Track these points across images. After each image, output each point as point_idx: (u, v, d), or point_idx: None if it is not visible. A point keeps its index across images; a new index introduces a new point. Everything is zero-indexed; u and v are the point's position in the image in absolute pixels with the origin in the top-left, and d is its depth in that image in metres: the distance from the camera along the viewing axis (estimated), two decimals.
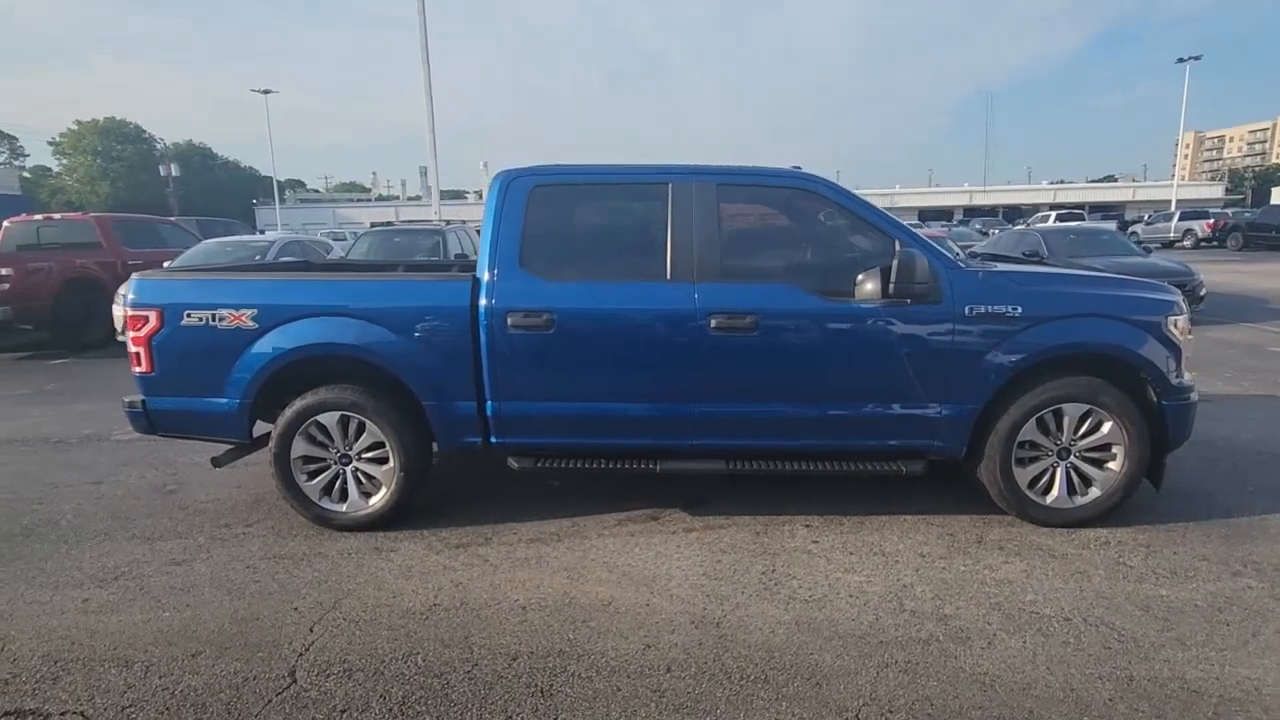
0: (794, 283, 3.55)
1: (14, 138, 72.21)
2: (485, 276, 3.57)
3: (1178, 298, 3.70)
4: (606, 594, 3.11)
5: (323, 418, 3.65)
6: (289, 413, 3.64)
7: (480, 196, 66.17)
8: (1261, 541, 3.46)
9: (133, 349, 3.68)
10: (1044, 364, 3.53)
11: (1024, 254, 11.84)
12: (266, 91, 42.04)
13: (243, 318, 3.59)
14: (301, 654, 2.71)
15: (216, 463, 3.90)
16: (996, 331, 3.48)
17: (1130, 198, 56.92)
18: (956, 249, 11.50)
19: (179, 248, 11.46)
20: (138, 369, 3.70)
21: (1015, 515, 3.68)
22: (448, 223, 14.06)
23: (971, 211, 54.57)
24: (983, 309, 3.47)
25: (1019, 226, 15.74)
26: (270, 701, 2.44)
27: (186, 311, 3.61)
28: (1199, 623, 2.79)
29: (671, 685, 2.49)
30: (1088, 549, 3.43)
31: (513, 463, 3.73)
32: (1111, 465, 3.59)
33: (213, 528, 3.84)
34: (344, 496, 3.74)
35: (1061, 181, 70.86)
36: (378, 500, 3.72)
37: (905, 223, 3.97)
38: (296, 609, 3.03)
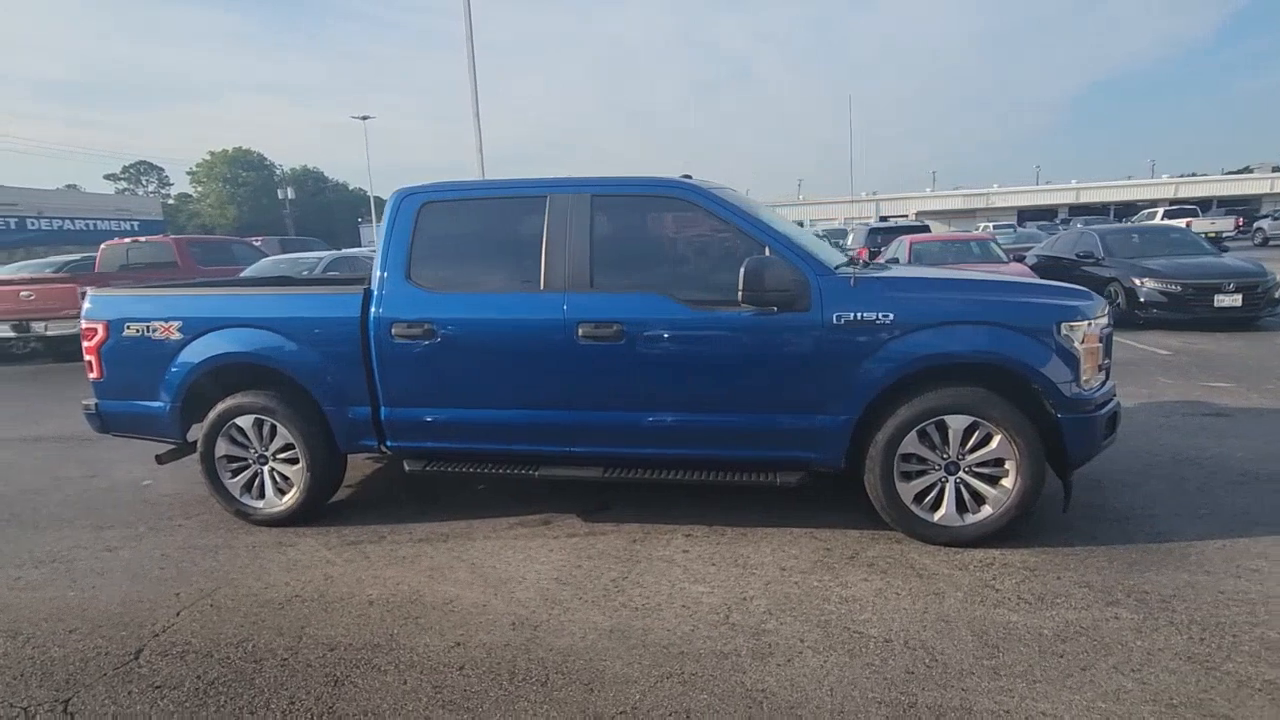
0: (665, 292, 3.55)
1: (161, 169, 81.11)
2: (375, 289, 3.79)
3: (1084, 304, 3.43)
4: (453, 593, 3.23)
5: (240, 420, 3.98)
6: (211, 415, 3.99)
7: None
8: (1167, 570, 3.13)
9: (86, 357, 4.15)
10: (921, 373, 3.36)
11: (1078, 255, 11.07)
12: (365, 118, 45.18)
13: (171, 329, 3.98)
14: (157, 635, 2.99)
15: (160, 460, 4.32)
16: (867, 340, 3.34)
17: (1269, 190, 51.12)
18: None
19: (245, 264, 12.55)
20: (91, 375, 4.16)
21: (902, 532, 3.51)
22: None
23: (1078, 210, 50.79)
24: (852, 316, 3.35)
25: (1077, 227, 14.55)
26: (106, 674, 2.72)
27: (127, 324, 4.05)
28: (1029, 652, 2.58)
29: (453, 683, 2.57)
30: (964, 570, 3.22)
31: (407, 465, 3.93)
32: (1005, 482, 3.36)
33: (156, 519, 4.26)
34: (262, 494, 4.06)
35: (1193, 174, 64.56)
36: (290, 498, 4.01)
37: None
38: (178, 595, 3.33)
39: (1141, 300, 9.45)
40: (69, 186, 67.03)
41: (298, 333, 3.84)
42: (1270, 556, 3.22)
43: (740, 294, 3.25)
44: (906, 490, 3.44)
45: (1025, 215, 48.76)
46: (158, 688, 2.63)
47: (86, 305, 4.17)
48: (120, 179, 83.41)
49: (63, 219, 38.10)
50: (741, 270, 3.23)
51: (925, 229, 18.35)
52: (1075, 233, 12.21)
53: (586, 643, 2.79)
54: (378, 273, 3.81)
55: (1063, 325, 3.29)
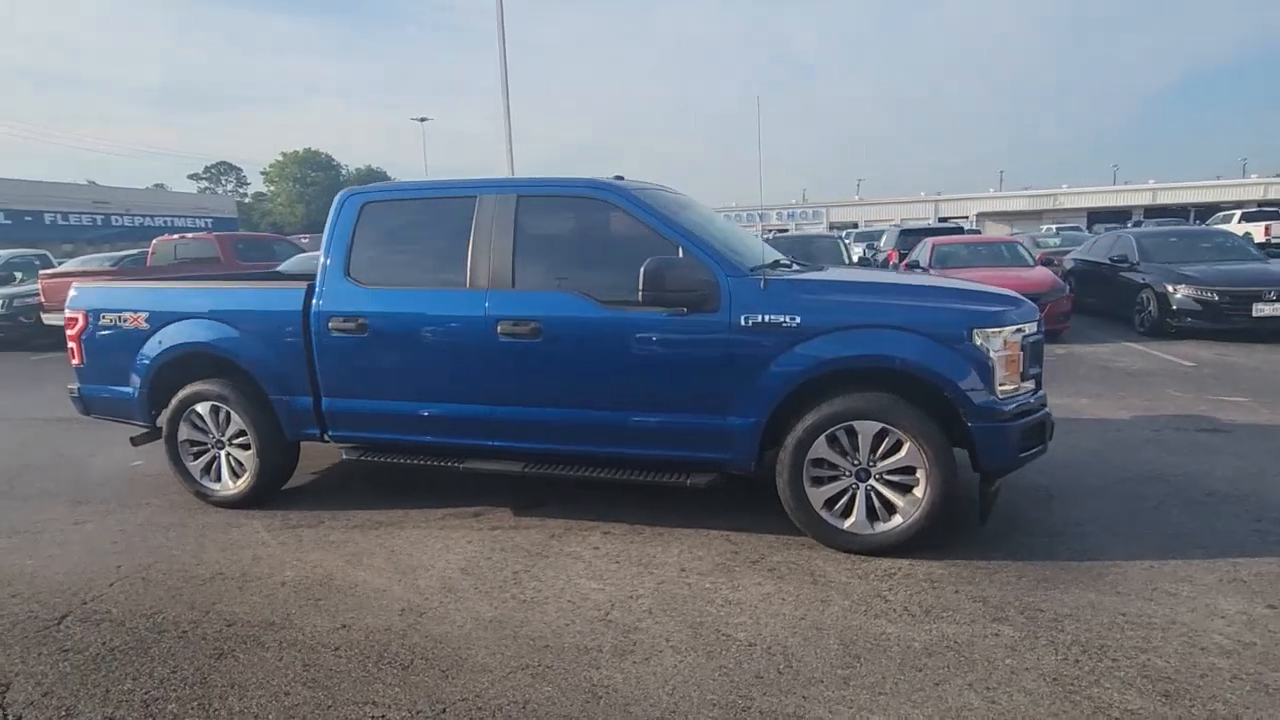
0: (584, 291, 3.59)
1: (239, 169, 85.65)
2: (318, 284, 3.97)
3: (1001, 310, 3.31)
4: (362, 578, 3.36)
5: (199, 407, 4.22)
6: (174, 401, 4.25)
7: None
8: (1074, 589, 2.99)
9: (69, 344, 4.48)
10: (828, 377, 3.30)
11: (1112, 259, 10.56)
12: (423, 119, 46.66)
13: (139, 319, 4.26)
14: (85, 603, 3.22)
15: (134, 442, 4.61)
16: (773, 342, 3.31)
17: None
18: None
19: (283, 259, 13.15)
20: (73, 361, 4.49)
21: (812, 537, 3.45)
22: None
23: (1154, 212, 47.95)
24: (759, 318, 3.32)
25: (1117, 230, 13.77)
26: (27, 636, 2.95)
27: (103, 314, 4.35)
28: (889, 665, 2.52)
29: (323, 662, 2.69)
30: (863, 578, 3.15)
31: (344, 454, 4.09)
32: (916, 491, 3.27)
33: (129, 497, 4.56)
34: (219, 477, 4.29)
35: None
36: (243, 482, 4.23)
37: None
38: (119, 567, 3.57)
39: (1174, 308, 8.92)
40: (156, 186, 71.47)
41: (247, 325, 4.05)
42: (1195, 580, 3.04)
43: (640, 294, 3.26)
44: (816, 495, 3.39)
45: (1096, 217, 46.41)
46: (65, 651, 2.83)
47: (71, 295, 4.50)
48: (202, 179, 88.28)
49: (146, 216, 40.67)
50: (641, 271, 3.25)
51: (957, 230, 17.79)
52: (1111, 236, 11.59)
53: (463, 632, 2.86)
54: (320, 269, 3.98)
55: (975, 332, 3.19)
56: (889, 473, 3.31)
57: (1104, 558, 3.28)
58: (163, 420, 4.31)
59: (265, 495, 4.28)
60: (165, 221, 40.54)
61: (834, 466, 3.37)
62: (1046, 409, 3.43)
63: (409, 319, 3.80)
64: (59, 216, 35.94)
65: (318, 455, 4.98)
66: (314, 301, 3.93)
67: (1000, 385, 3.22)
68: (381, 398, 3.93)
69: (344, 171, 69.40)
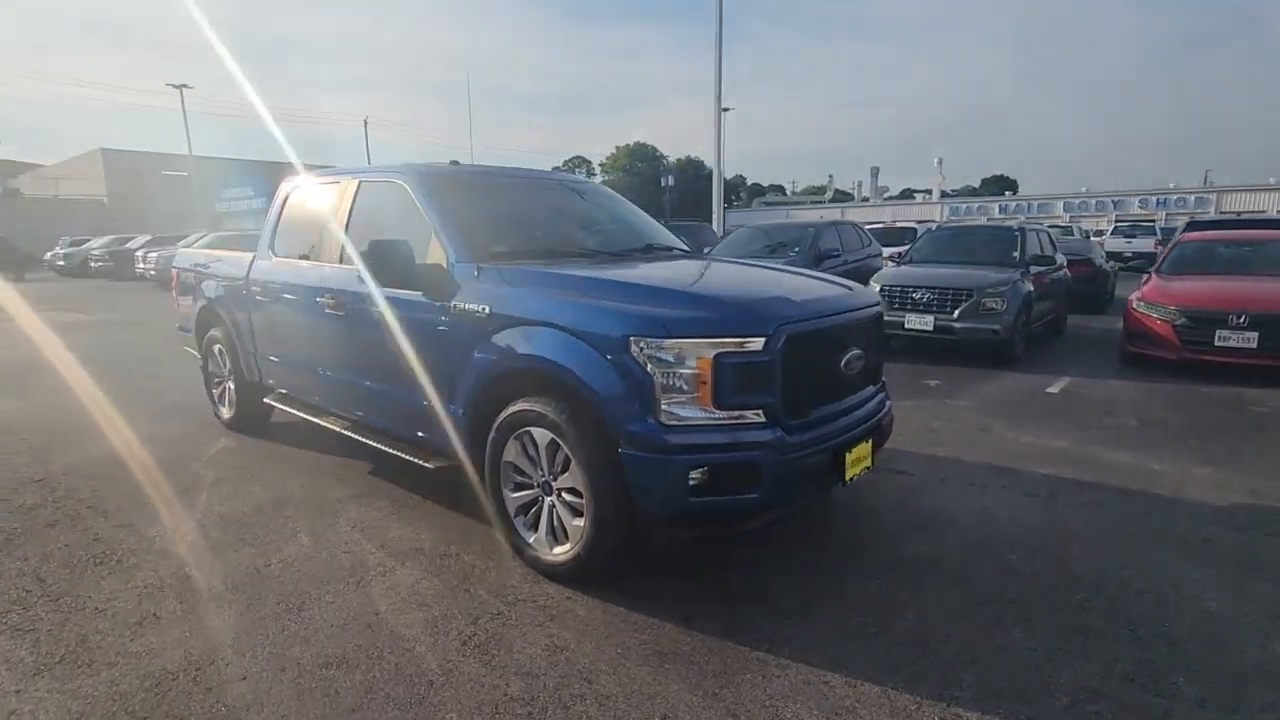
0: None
1: (589, 161, 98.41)
2: (257, 255, 4.80)
3: (680, 315, 2.65)
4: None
5: (211, 345, 5.42)
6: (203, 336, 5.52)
7: (929, 196, 62.28)
8: (692, 679, 2.33)
9: (171, 292, 6.05)
10: (513, 374, 3.01)
11: None
12: (726, 109, 48.09)
13: (191, 276, 5.60)
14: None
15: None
16: (469, 331, 3.13)
17: None
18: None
19: None
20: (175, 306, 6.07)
21: (508, 544, 3.20)
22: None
23: None
24: (462, 306, 3.17)
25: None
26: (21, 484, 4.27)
27: (182, 272, 5.81)
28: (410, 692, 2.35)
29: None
30: (500, 597, 2.86)
31: (269, 401, 4.88)
32: (582, 518, 2.84)
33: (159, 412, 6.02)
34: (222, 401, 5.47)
35: None
36: (225, 411, 5.33)
37: None
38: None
39: None
40: None
41: (227, 286, 5.06)
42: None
43: (369, 274, 3.33)
44: (512, 501, 3.14)
45: None
46: None
47: (175, 257, 6.09)
48: (562, 171, 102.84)
49: None
50: (361, 251, 3.33)
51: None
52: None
53: (173, 565, 3.37)
54: (260, 242, 4.81)
55: (632, 340, 2.61)
56: (565, 491, 2.92)
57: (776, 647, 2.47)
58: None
59: (245, 423, 5.32)
60: None
61: (525, 473, 3.08)
62: (751, 454, 2.63)
63: (281, 287, 4.39)
64: None
65: None
66: (250, 270, 4.76)
67: (667, 409, 2.60)
68: (276, 352, 4.60)
69: (665, 161, 75.01)
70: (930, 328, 7.59)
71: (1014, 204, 53.24)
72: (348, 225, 4.02)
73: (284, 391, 4.76)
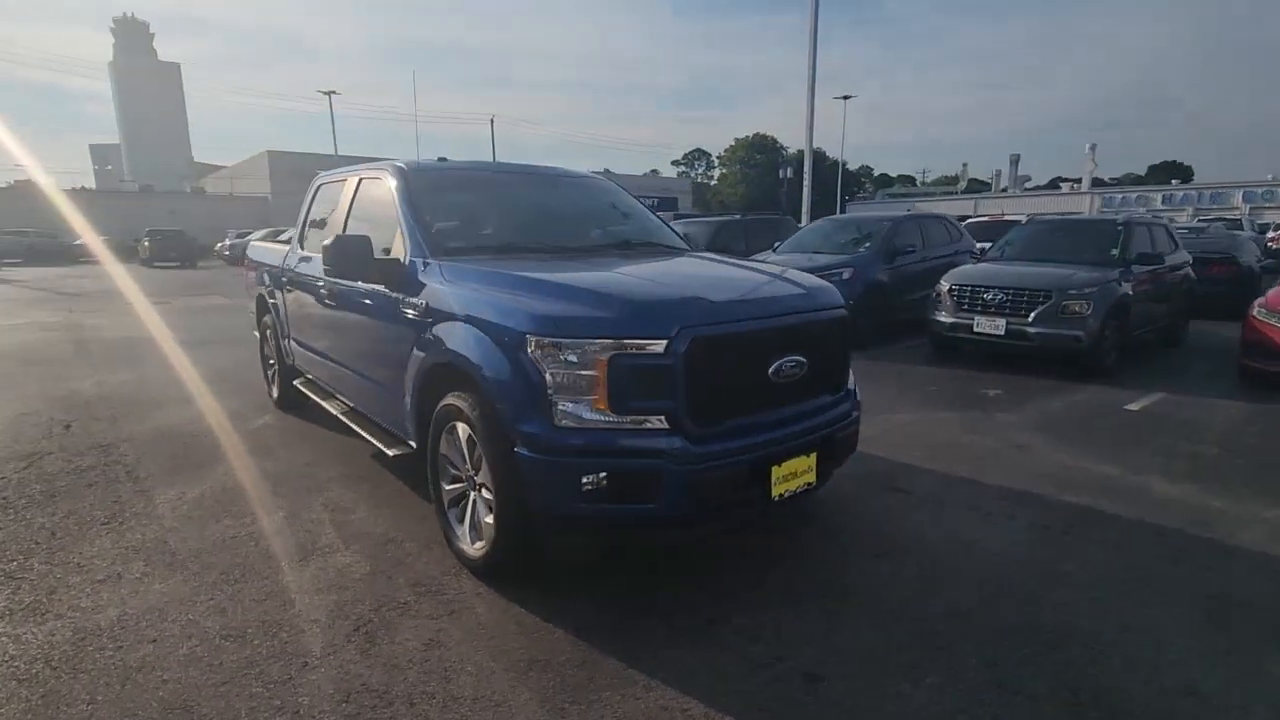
0: None
1: (709, 154, 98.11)
2: (291, 249, 5.15)
3: (574, 314, 2.56)
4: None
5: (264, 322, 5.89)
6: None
7: (1078, 185, 56.52)
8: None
9: (246, 277, 6.64)
10: (439, 369, 3.04)
11: None
12: (847, 97, 46.27)
13: (253, 266, 6.11)
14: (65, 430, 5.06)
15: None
16: (414, 325, 3.19)
17: None
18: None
19: None
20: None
21: (444, 534, 3.24)
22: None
23: None
24: (409, 299, 3.23)
25: None
26: (44, 431, 4.87)
27: (249, 262, 6.35)
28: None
29: None
30: (389, 578, 2.91)
31: (296, 383, 5.23)
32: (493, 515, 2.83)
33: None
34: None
35: None
36: (276, 390, 5.78)
37: None
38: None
39: None
40: (651, 172, 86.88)
41: (272, 276, 5.46)
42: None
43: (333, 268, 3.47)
44: (446, 493, 3.18)
45: None
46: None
47: (247, 249, 6.66)
48: (680, 164, 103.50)
49: None
50: (324, 245, 3.47)
51: None
52: None
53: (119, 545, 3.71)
54: (294, 235, 5.15)
55: (529, 338, 2.55)
56: (484, 486, 2.91)
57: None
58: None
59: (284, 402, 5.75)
60: None
61: (457, 467, 3.10)
62: (656, 461, 2.49)
63: (299, 277, 4.69)
64: None
65: None
66: (286, 260, 5.12)
67: (562, 410, 2.52)
68: (299, 337, 4.93)
69: (784, 153, 73.16)
70: (1001, 332, 6.89)
71: (1180, 194, 47.52)
72: (347, 219, 4.22)
73: (309, 376, 5.09)
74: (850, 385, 3.27)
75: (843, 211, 59.66)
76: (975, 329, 7.09)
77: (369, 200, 4.11)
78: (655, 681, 2.31)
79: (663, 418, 2.54)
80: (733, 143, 76.53)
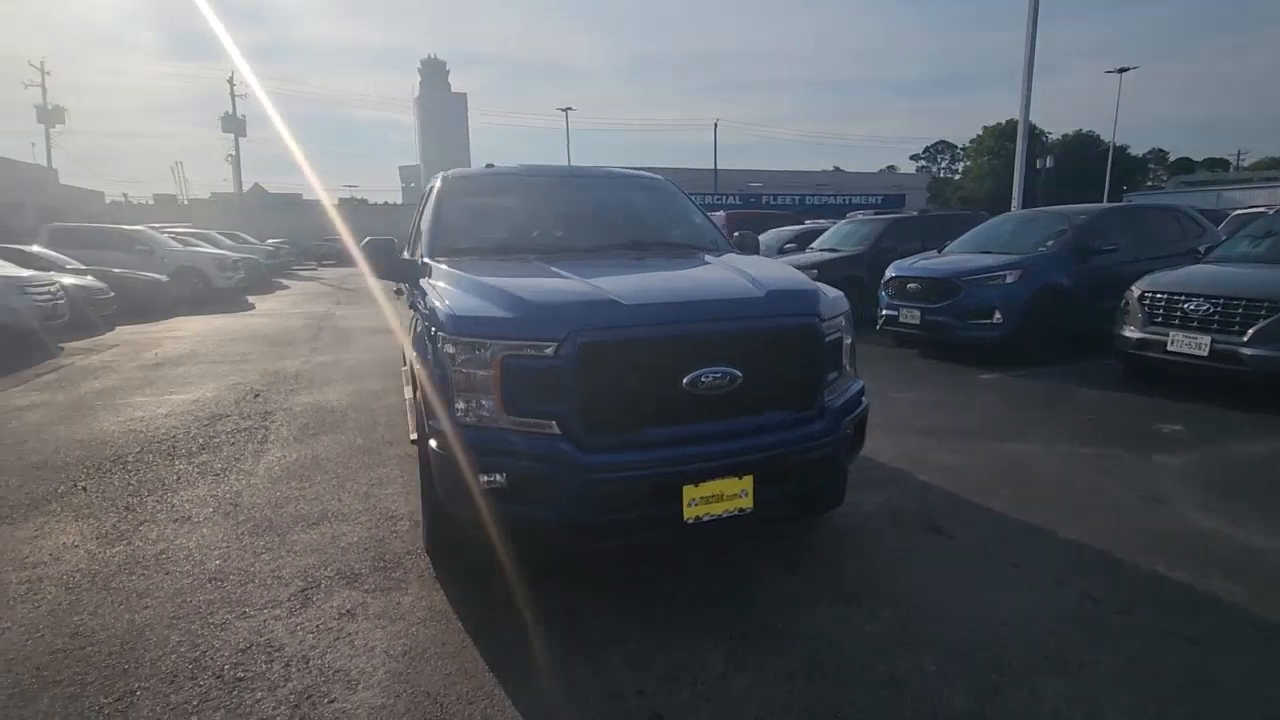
0: None
1: (955, 146, 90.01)
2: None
3: (465, 315, 2.62)
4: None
5: None
6: None
7: None
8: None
9: None
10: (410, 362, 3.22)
11: None
12: (1124, 69, 39.36)
13: None
14: None
15: None
16: (411, 321, 3.42)
17: None
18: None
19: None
20: None
21: None
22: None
23: None
24: (414, 294, 3.47)
25: None
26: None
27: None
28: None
29: None
30: (375, 572, 3.14)
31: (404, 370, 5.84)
32: None
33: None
34: None
35: None
36: None
37: None
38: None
39: None
40: (887, 168, 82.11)
41: None
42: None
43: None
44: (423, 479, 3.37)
45: None
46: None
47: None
48: (921, 158, 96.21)
49: (831, 195, 48.38)
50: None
51: None
52: None
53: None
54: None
55: (442, 337, 2.62)
56: None
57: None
58: None
59: None
60: (844, 199, 47.21)
61: None
62: (554, 464, 2.40)
63: None
64: (771, 197, 46.58)
65: None
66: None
67: (463, 408, 2.55)
68: None
69: (1043, 140, 64.32)
70: (1204, 352, 5.44)
71: None
72: (419, 221, 4.64)
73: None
74: (827, 403, 2.83)
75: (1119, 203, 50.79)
76: (1169, 347, 5.68)
77: (428, 205, 4.49)
78: (500, 695, 2.25)
79: (554, 423, 2.46)
80: (980, 132, 69.18)
